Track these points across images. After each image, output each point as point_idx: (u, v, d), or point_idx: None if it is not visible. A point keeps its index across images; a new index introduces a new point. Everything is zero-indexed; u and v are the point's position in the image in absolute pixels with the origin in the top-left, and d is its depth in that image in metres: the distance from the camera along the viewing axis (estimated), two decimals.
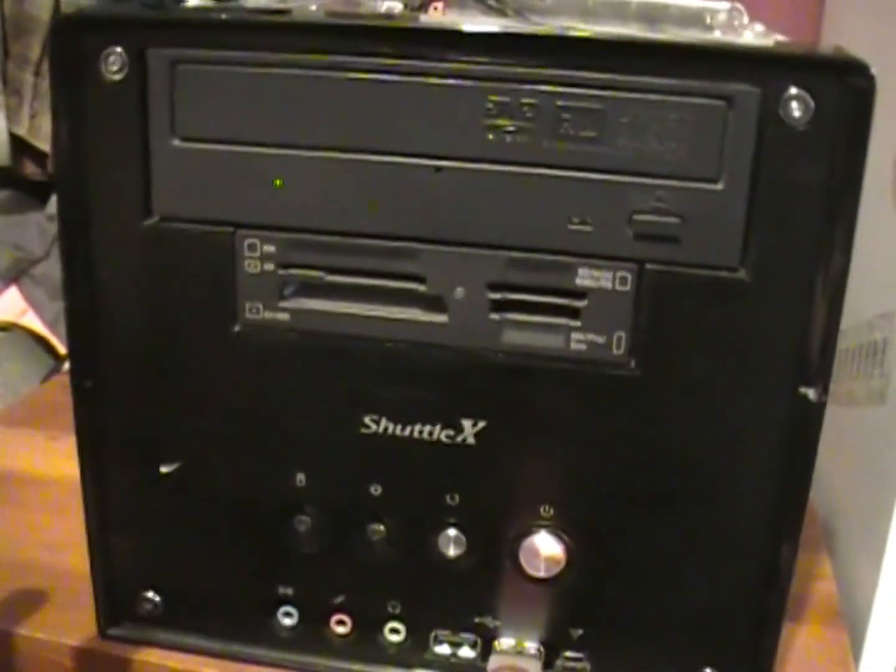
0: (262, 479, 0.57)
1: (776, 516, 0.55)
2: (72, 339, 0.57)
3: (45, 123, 1.22)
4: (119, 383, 0.57)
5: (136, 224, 0.54)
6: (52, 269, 1.16)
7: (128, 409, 0.57)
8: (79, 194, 0.54)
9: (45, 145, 1.22)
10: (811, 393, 0.52)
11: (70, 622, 0.63)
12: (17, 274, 1.17)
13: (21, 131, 1.23)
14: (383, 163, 0.51)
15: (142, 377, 0.57)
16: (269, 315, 0.54)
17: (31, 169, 1.25)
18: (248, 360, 0.55)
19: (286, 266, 0.53)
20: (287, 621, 0.60)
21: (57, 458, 0.79)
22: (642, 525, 0.56)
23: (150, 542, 0.60)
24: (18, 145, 1.24)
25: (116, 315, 0.56)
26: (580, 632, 0.58)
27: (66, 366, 0.96)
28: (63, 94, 0.53)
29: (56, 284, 1.15)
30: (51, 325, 1.14)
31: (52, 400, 0.92)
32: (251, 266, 0.53)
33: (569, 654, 0.58)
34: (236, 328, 0.54)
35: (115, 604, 0.62)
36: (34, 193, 1.24)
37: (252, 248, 0.53)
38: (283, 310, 0.54)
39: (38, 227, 1.18)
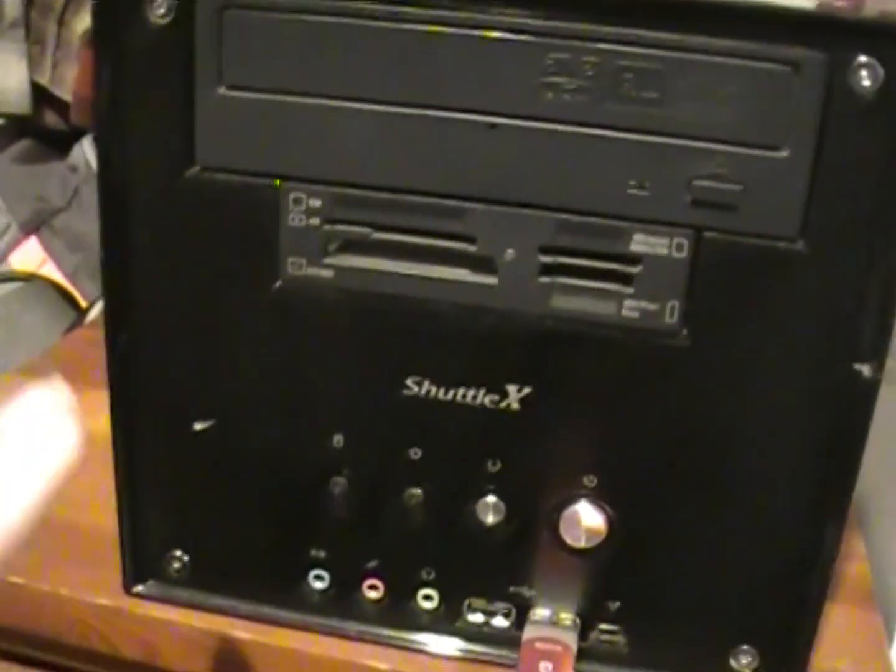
0: (298, 440, 0.56)
1: (822, 496, 0.54)
2: (107, 292, 0.56)
3: (68, 73, 1.20)
4: (154, 338, 0.56)
5: (178, 174, 0.52)
6: (73, 220, 1.14)
7: (162, 364, 0.56)
8: (119, 143, 0.53)
9: (66, 95, 1.20)
10: (865, 369, 0.51)
11: (95, 580, 0.62)
12: (37, 224, 1.16)
13: (43, 80, 1.21)
14: (436, 118, 0.49)
15: (178, 332, 0.55)
16: (312, 271, 0.53)
17: (52, 119, 1.23)
18: (289, 317, 0.54)
19: (332, 221, 0.52)
20: (318, 585, 0.59)
21: (81, 413, 0.78)
22: (685, 499, 0.55)
23: (180, 500, 0.59)
24: (40, 95, 1.23)
25: (153, 268, 0.55)
26: (617, 604, 0.57)
27: (89, 318, 0.95)
28: (106, 38, 0.51)
29: (76, 236, 1.14)
30: (70, 277, 1.13)
31: (75, 352, 0.90)
32: (295, 220, 0.52)
33: (604, 626, 0.58)
34: (277, 284, 0.53)
35: (141, 562, 0.61)
36: (55, 144, 1.22)
37: (297, 201, 0.52)
38: (327, 266, 0.52)
39: (60, 178, 1.17)
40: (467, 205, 0.50)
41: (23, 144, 1.22)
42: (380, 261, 0.52)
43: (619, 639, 0.57)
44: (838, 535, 0.54)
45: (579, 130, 0.49)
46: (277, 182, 0.52)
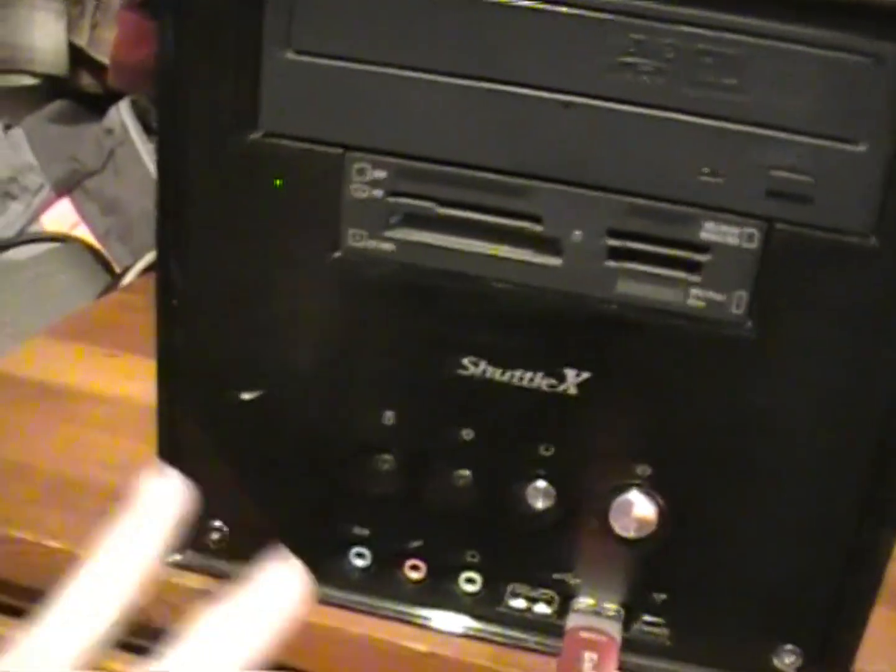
0: (347, 415, 0.55)
1: (875, 494, 0.53)
2: (161, 255, 0.55)
3: (107, 35, 1.19)
4: (206, 304, 0.55)
5: (240, 138, 0.51)
6: (107, 183, 1.13)
7: (213, 331, 0.55)
8: (180, 103, 0.51)
9: (104, 57, 1.19)
10: None
11: None
12: (71, 186, 1.15)
13: (81, 42, 1.20)
14: (509, 93, 0.48)
15: (231, 299, 0.55)
16: (372, 244, 0.52)
17: (88, 81, 1.23)
18: (347, 289, 0.53)
19: (396, 194, 0.51)
20: (359, 562, 0.59)
21: (115, 376, 0.77)
22: (737, 493, 0.54)
23: (223, 470, 0.58)
24: (77, 56, 1.22)
25: (209, 232, 0.54)
26: (663, 597, 0.56)
27: (125, 282, 0.94)
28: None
29: (110, 199, 1.13)
30: (102, 240, 1.12)
31: (110, 316, 0.90)
32: (359, 191, 0.51)
33: (648, 618, 0.57)
34: (337, 255, 0.52)
35: None
36: (91, 106, 1.21)
37: (361, 172, 0.51)
38: (389, 239, 0.52)
39: (95, 140, 1.16)
40: (535, 183, 0.50)
41: (59, 105, 1.21)
42: (442, 236, 0.51)
43: (663, 631, 0.57)
44: (891, 535, 0.53)
45: (655, 113, 0.48)
46: (342, 151, 0.50)
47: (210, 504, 0.57)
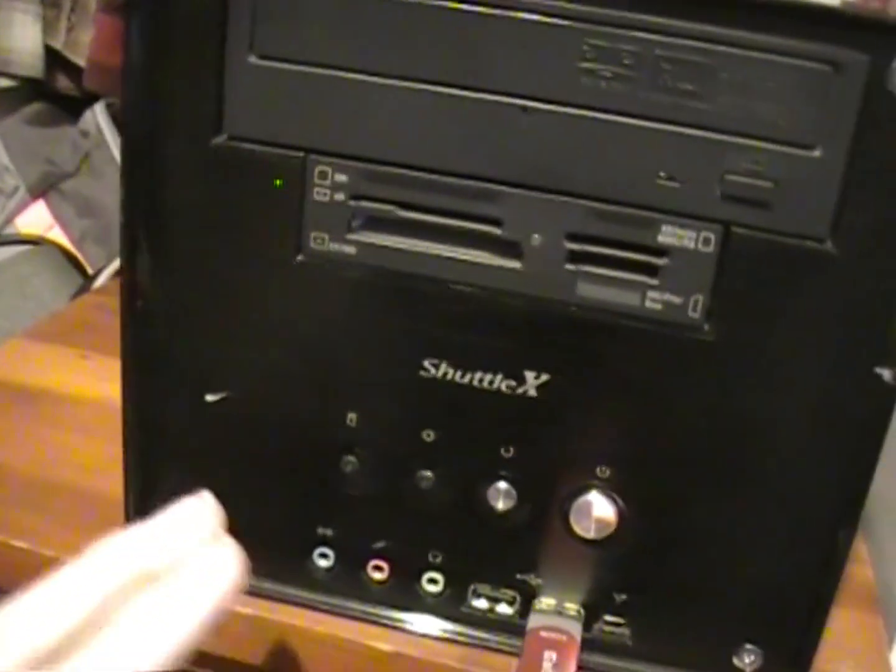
0: (312, 416, 0.56)
1: (837, 498, 0.53)
2: (126, 257, 0.55)
3: (83, 37, 1.19)
4: (171, 306, 0.55)
5: (204, 141, 0.52)
6: (82, 185, 1.14)
7: (178, 332, 0.56)
8: (146, 106, 0.52)
9: (80, 60, 1.19)
10: (886, 374, 0.50)
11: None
12: (46, 188, 1.15)
13: (57, 44, 1.21)
14: (469, 98, 0.49)
15: (196, 300, 0.55)
16: (334, 247, 0.52)
17: (64, 83, 1.23)
18: (310, 291, 0.53)
19: (357, 197, 0.51)
20: (323, 563, 0.59)
21: (89, 378, 0.78)
22: (698, 495, 0.54)
23: (189, 470, 0.58)
24: (53, 58, 1.22)
25: (174, 234, 0.54)
26: (624, 597, 0.57)
27: (97, 284, 0.94)
28: (137, 2, 0.50)
29: (85, 201, 1.13)
30: (77, 242, 1.12)
31: (83, 318, 0.90)
32: (320, 194, 0.51)
33: (609, 618, 0.57)
34: (299, 258, 0.53)
35: None
36: (67, 108, 1.21)
37: (323, 175, 0.51)
38: (350, 242, 0.52)
39: (70, 142, 1.16)
40: (495, 187, 0.50)
41: (34, 107, 1.21)
42: (404, 239, 0.52)
43: (624, 631, 0.57)
44: (850, 537, 0.54)
45: (614, 118, 0.48)
46: (303, 154, 0.51)
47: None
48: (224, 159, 0.52)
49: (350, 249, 0.52)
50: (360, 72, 0.49)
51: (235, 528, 0.58)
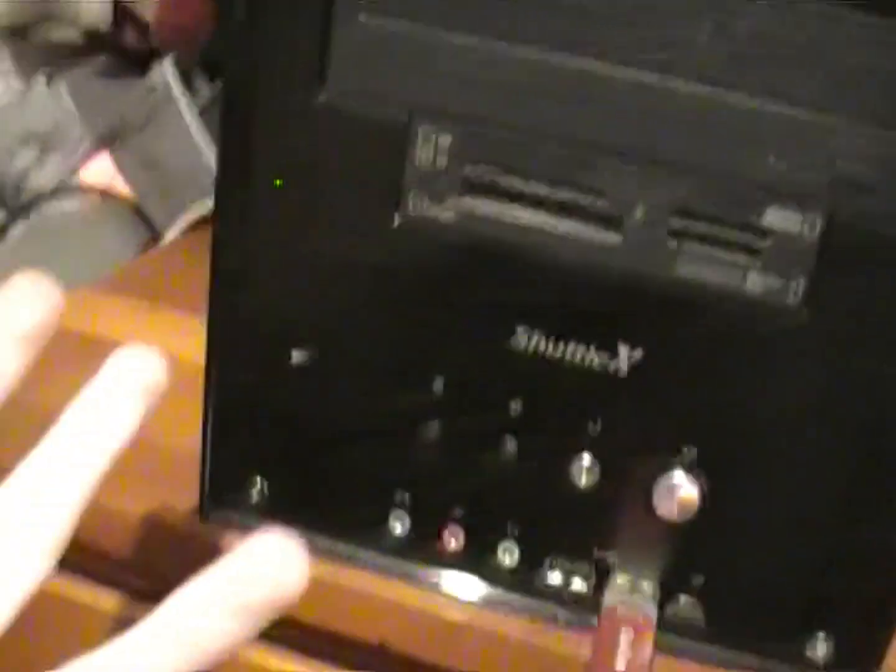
0: (397, 380, 0.55)
1: None
2: (219, 210, 0.55)
3: None
4: (261, 264, 0.55)
5: (307, 99, 0.51)
6: (148, 140, 1.13)
7: (266, 291, 0.55)
8: (246, 62, 0.51)
9: (148, 15, 1.19)
10: None
11: (169, 502, 0.61)
12: (111, 141, 1.14)
13: None
14: (580, 66, 0.48)
15: (287, 260, 0.55)
16: (433, 211, 0.52)
17: (131, 37, 1.22)
18: (404, 255, 0.53)
19: (460, 162, 0.51)
20: (398, 528, 0.59)
21: (158, 332, 0.77)
22: (779, 479, 0.54)
23: (268, 429, 0.58)
24: (121, 13, 1.21)
25: (269, 190, 0.53)
26: (701, 579, 0.56)
27: (166, 240, 0.94)
28: None
29: (150, 156, 1.12)
30: (140, 196, 1.12)
31: (153, 272, 0.90)
32: (422, 157, 0.51)
33: (684, 599, 0.57)
34: (397, 221, 0.52)
35: (220, 487, 0.60)
36: (134, 63, 1.21)
37: (427, 138, 0.51)
38: (450, 207, 0.52)
39: (137, 97, 1.15)
40: (600, 158, 0.49)
41: (102, 60, 1.21)
42: (504, 207, 0.51)
43: (698, 614, 0.57)
44: None
45: (727, 94, 0.48)
46: (408, 115, 0.50)
47: (251, 462, 0.57)
48: (325, 118, 0.51)
49: (449, 214, 0.51)
50: (471, 33, 0.49)
51: (313, 488, 0.59)
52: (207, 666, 0.39)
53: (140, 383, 0.44)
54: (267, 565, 0.40)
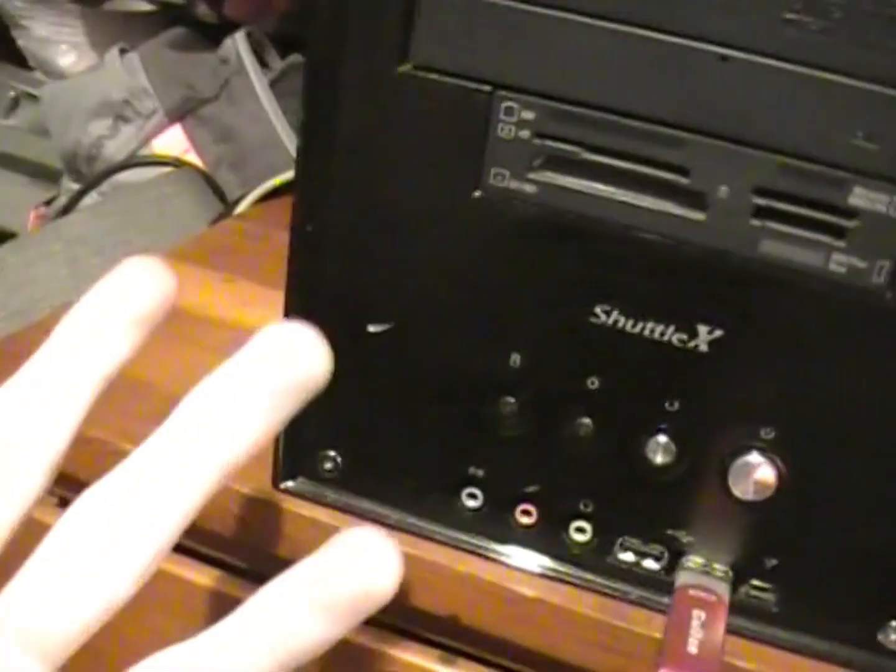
0: (474, 353, 0.55)
1: None
2: (301, 180, 0.55)
3: None
4: (341, 233, 0.55)
5: (389, 69, 0.51)
6: (220, 111, 1.14)
7: (346, 260, 0.55)
8: (330, 31, 0.51)
9: None
10: None
11: (243, 469, 0.61)
12: (184, 112, 1.15)
13: None
14: (666, 42, 0.48)
15: (367, 229, 0.55)
16: (514, 185, 0.51)
17: (203, 10, 1.23)
18: (484, 227, 0.53)
19: (543, 136, 0.50)
20: (471, 503, 0.59)
21: (232, 302, 0.78)
22: (857, 464, 0.53)
23: (343, 400, 0.58)
24: None
25: (351, 161, 0.54)
26: (774, 562, 0.56)
27: (238, 210, 0.95)
28: None
29: (222, 128, 1.13)
30: (212, 168, 1.13)
31: (227, 242, 0.90)
32: (505, 130, 0.51)
33: (756, 582, 0.56)
34: (476, 193, 0.52)
35: (293, 457, 0.60)
36: (207, 35, 1.21)
37: (509, 111, 0.50)
38: (531, 181, 0.51)
39: (210, 69, 1.16)
40: (685, 135, 0.49)
41: (175, 32, 1.22)
42: (586, 182, 0.51)
43: (770, 597, 0.56)
44: None
45: (814, 73, 0.47)
46: (491, 88, 0.50)
47: (325, 433, 0.58)
48: (407, 88, 0.51)
49: (530, 188, 0.51)
50: (557, 7, 0.48)
51: (387, 460, 0.59)
52: (293, 666, 0.38)
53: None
54: (359, 565, 0.39)
